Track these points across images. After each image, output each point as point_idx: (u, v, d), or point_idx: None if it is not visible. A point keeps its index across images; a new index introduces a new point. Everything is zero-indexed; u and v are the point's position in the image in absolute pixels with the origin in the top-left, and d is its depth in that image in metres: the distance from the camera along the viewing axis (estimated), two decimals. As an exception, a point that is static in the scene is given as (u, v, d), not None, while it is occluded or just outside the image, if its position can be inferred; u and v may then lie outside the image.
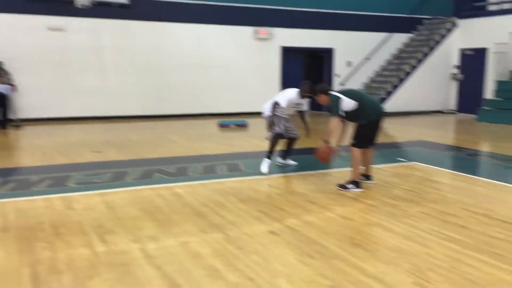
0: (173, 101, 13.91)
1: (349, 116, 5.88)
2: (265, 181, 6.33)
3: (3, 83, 11.58)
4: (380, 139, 11.07)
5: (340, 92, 5.98)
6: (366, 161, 6.17)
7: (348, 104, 5.79)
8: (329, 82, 16.16)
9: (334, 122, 5.79)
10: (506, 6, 15.33)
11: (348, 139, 6.16)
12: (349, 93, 5.96)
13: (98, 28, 12.83)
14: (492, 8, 16.01)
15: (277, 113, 6.90)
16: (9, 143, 9.78)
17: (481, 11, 16.01)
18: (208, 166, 7.17)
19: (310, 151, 8.78)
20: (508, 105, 13.27)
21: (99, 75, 13.04)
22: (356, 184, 5.85)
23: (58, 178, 6.29)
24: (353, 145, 5.94)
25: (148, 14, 13.28)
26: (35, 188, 5.78)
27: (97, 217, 4.70)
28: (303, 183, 6.21)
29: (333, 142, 6.09)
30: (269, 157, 6.85)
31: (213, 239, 4.14)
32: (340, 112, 5.79)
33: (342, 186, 5.86)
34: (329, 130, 5.83)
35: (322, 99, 6.03)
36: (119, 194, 5.54)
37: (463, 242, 4.10)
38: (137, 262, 3.63)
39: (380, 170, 7.10)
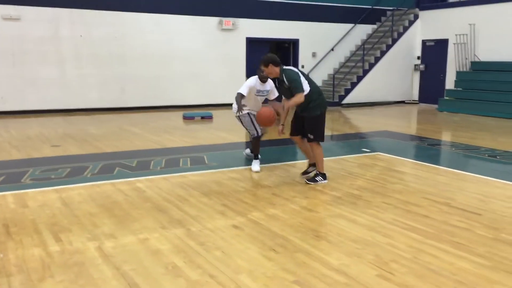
0: (136, 93, 13.57)
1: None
2: (229, 174, 6.23)
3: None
4: (345, 129, 11.17)
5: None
6: (309, 152, 5.93)
7: (305, 86, 5.55)
8: (294, 73, 16.13)
9: (302, 98, 5.42)
10: (465, -2, 15.66)
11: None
12: (304, 75, 5.63)
13: (56, 18, 12.36)
14: (452, 0, 16.32)
15: (243, 112, 6.38)
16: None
17: (442, 3, 16.28)
18: (171, 160, 7.01)
19: (276, 142, 8.78)
20: (468, 95, 13.58)
21: (58, 66, 12.58)
22: (323, 175, 5.80)
23: (12, 175, 6.02)
24: (314, 140, 5.67)
25: (108, 3, 12.87)
26: (-14, 185, 5.50)
27: (52, 214, 4.50)
28: (268, 176, 6.14)
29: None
30: (256, 157, 6.53)
31: (174, 235, 4.01)
32: (305, 87, 5.48)
33: (312, 180, 5.76)
34: (292, 104, 5.48)
35: (272, 70, 5.55)
36: (76, 190, 5.33)
37: (425, 232, 4.12)
38: (93, 262, 3.48)
39: (345, 160, 7.12)
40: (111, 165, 6.59)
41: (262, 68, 5.67)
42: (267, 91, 6.65)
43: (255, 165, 6.46)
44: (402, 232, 4.11)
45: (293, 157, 7.64)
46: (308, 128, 5.70)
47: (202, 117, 11.98)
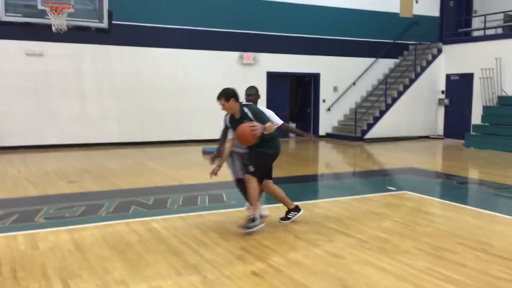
0: (155, 128, 13.53)
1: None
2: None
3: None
4: (368, 166, 10.83)
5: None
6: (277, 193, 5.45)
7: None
8: (315, 107, 15.96)
9: (274, 127, 5.08)
10: (489, 32, 15.40)
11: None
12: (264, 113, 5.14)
13: (77, 53, 12.51)
14: (476, 34, 16.09)
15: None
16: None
17: (466, 37, 16.07)
18: (189, 197, 6.79)
19: (295, 179, 8.51)
20: (496, 131, 13.13)
21: (79, 101, 12.65)
22: (255, 220, 5.09)
23: (26, 213, 5.86)
24: (253, 173, 5.05)
25: (128, 38, 12.98)
26: (-1, 224, 5.34)
27: (63, 257, 4.28)
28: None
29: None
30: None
31: (188, 283, 3.74)
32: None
33: (246, 227, 5.02)
34: (266, 128, 4.89)
35: (233, 105, 5.02)
36: (89, 230, 5.12)
37: (463, 284, 3.76)
38: (100, 313, 3.22)
39: (369, 200, 6.79)
40: (127, 203, 6.40)
41: (222, 102, 5.03)
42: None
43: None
44: (437, 284, 3.76)
45: (315, 196, 7.35)
46: (253, 161, 5.07)
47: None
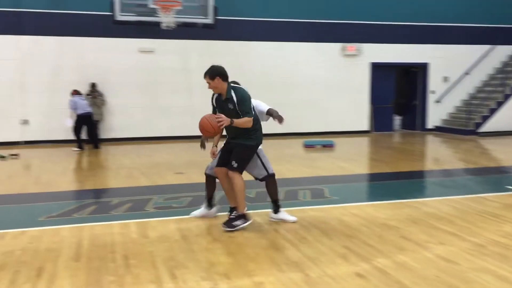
0: (258, 121, 13.69)
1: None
2: (351, 209, 5.76)
3: (96, 104, 12.11)
4: (483, 162, 10.01)
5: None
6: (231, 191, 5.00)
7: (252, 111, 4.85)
8: (423, 99, 15.12)
9: (250, 123, 4.81)
10: None
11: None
12: (251, 102, 4.90)
13: (185, 49, 13.04)
14: None
15: None
16: (97, 163, 10.07)
17: None
18: (290, 192, 6.74)
19: (402, 175, 8.10)
20: None
21: (186, 95, 13.21)
22: (244, 217, 4.93)
23: (138, 202, 6.20)
24: (236, 169, 4.81)
25: (233, 33, 13.25)
26: (114, 212, 5.71)
27: (170, 247, 4.45)
28: (394, 214, 5.55)
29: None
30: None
31: (290, 281, 3.68)
32: (253, 112, 4.84)
33: (229, 225, 4.82)
34: (237, 123, 4.73)
35: (218, 84, 4.77)
36: (195, 222, 5.28)
37: None
38: (205, 306, 3.28)
39: (486, 199, 6.24)
40: (230, 195, 6.50)
41: (207, 80, 4.82)
42: None
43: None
44: None
45: (423, 193, 6.93)
46: (235, 156, 4.83)
47: (323, 146, 11.62)
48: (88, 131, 11.52)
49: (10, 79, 12.09)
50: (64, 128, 11.81)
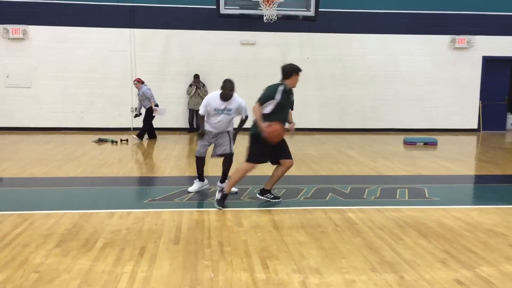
0: (356, 115, 13.42)
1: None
2: (453, 212, 5.44)
3: (200, 94, 12.62)
4: None
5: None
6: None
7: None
8: (541, 96, 13.81)
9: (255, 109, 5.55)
10: None
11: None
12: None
13: (285, 42, 13.11)
14: None
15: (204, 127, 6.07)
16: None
17: None
18: (387, 189, 6.53)
19: (511, 178, 7.49)
20: None
21: (284, 88, 13.27)
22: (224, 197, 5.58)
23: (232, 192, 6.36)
24: (247, 160, 5.64)
25: (333, 25, 13.05)
26: (211, 200, 5.91)
27: (263, 237, 4.52)
28: (503, 220, 5.15)
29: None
30: (198, 179, 6.37)
31: (384, 282, 3.57)
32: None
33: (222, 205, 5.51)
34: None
35: (293, 80, 5.55)
36: (288, 214, 5.32)
37: None
38: (295, 298, 3.29)
39: None
40: (325, 189, 6.47)
41: (294, 76, 5.52)
42: (230, 110, 6.03)
43: (192, 187, 6.29)
44: None
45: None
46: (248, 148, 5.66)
47: (425, 143, 11.09)
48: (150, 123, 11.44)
49: (123, 70, 13.00)
50: (170, 117, 12.49)
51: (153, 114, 11.18)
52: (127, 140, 11.08)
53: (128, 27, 12.88)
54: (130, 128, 13.01)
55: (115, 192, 6.58)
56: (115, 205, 5.60)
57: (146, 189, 6.82)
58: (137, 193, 6.69)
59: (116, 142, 10.87)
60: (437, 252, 4.21)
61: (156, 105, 11.16)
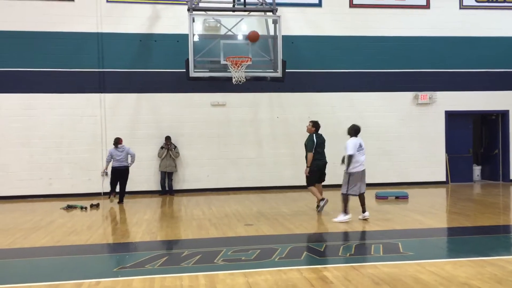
0: (327, 171, 13.53)
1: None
2: (428, 267, 5.43)
3: (171, 156, 12.61)
4: None
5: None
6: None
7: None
8: (505, 147, 14.31)
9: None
10: None
11: None
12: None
13: (254, 102, 13.38)
14: None
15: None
16: (171, 214, 10.32)
17: None
18: (361, 246, 6.52)
19: (483, 230, 7.57)
20: None
21: (255, 147, 13.41)
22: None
23: (208, 254, 6.23)
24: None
25: (301, 85, 13.45)
26: (184, 264, 5.76)
27: (238, 302, 4.39)
28: (477, 273, 5.16)
29: None
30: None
31: None
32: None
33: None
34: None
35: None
36: (263, 275, 5.20)
37: None
38: None
39: None
40: (299, 248, 6.40)
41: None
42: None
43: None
44: None
45: (509, 250, 6.41)
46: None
47: (397, 197, 11.21)
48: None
49: (93, 134, 12.92)
50: (142, 179, 12.37)
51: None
52: (97, 205, 10.83)
53: (98, 92, 12.95)
54: (101, 192, 12.76)
55: (84, 261, 6.33)
56: (83, 275, 5.37)
57: (116, 256, 6.60)
58: (107, 261, 6.46)
59: (86, 208, 10.62)
60: (414, 309, 4.15)
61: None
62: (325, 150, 9.62)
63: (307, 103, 13.54)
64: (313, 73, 13.61)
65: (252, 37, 10.73)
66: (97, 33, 12.90)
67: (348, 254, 6.08)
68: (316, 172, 9.35)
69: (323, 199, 9.35)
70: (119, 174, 11.32)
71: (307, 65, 13.54)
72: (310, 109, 13.51)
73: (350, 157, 8.34)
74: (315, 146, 9.29)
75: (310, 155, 9.26)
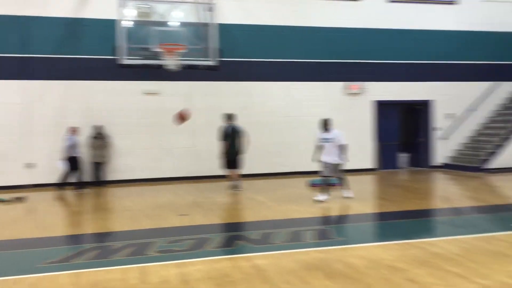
0: (262, 160, 13.66)
1: None
2: (359, 251, 5.62)
3: (101, 146, 12.20)
4: (492, 200, 9.83)
5: None
6: None
7: None
8: (426, 135, 15.09)
9: None
10: None
11: None
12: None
13: (188, 91, 13.19)
14: None
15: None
16: (101, 205, 10.01)
17: None
18: (294, 232, 6.63)
19: (408, 214, 7.96)
20: None
21: (190, 136, 13.26)
22: None
23: (139, 245, 6.09)
24: None
25: (236, 74, 13.42)
26: (115, 257, 5.60)
27: (170, 293, 4.33)
28: (401, 255, 5.41)
29: None
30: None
31: (293, 328, 3.54)
32: None
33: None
34: None
35: None
36: (196, 266, 5.16)
37: None
38: None
39: (495, 239, 6.08)
40: (233, 237, 6.42)
41: None
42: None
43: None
44: None
45: (431, 233, 6.78)
46: None
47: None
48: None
49: (18, 123, 12.21)
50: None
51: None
52: (22, 198, 10.28)
53: (23, 79, 12.22)
54: (26, 185, 12.11)
55: (6, 257, 5.98)
56: (3, 272, 5.08)
57: (42, 251, 6.28)
58: (31, 256, 6.13)
59: (5, 200, 10.01)
60: (343, 292, 4.29)
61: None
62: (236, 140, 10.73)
63: (242, 93, 13.54)
64: (249, 62, 13.61)
65: (181, 117, 11.25)
66: (20, 16, 12.15)
67: (281, 242, 6.16)
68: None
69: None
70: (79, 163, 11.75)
71: (243, 54, 13.51)
72: (246, 98, 13.53)
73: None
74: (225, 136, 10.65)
75: (221, 143, 10.78)
